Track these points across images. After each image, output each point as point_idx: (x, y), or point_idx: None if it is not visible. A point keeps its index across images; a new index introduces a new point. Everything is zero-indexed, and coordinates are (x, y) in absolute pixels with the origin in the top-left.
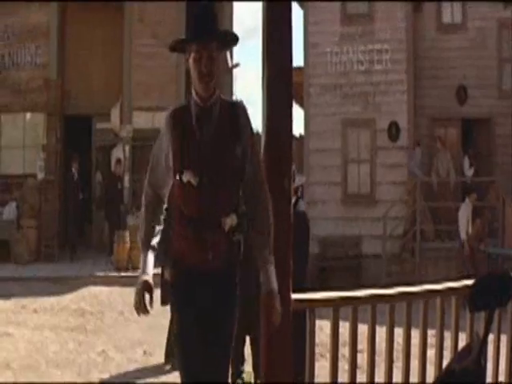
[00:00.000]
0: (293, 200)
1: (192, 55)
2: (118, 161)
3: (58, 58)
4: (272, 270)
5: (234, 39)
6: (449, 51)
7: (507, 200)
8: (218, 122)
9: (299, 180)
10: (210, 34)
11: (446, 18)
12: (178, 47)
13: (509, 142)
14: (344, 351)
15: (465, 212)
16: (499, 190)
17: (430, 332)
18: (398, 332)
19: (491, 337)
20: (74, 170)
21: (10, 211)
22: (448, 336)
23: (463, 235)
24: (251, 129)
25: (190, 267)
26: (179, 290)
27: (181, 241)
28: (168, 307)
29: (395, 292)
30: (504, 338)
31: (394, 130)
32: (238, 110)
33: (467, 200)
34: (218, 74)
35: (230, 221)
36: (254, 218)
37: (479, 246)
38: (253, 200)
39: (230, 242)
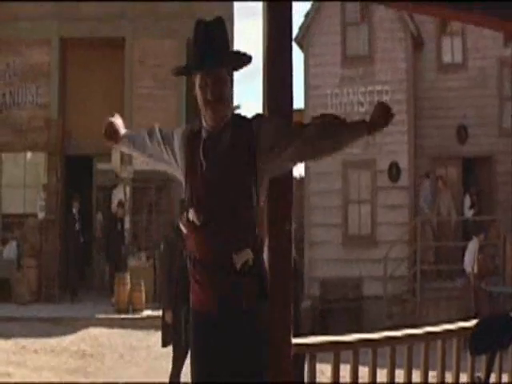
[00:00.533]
0: None
1: (197, 81)
2: (120, 203)
3: (58, 97)
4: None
5: (245, 59)
6: (449, 91)
7: (508, 238)
8: (228, 150)
9: None
10: (214, 61)
11: (447, 58)
12: (182, 71)
13: (510, 180)
14: None
15: (472, 250)
16: (500, 228)
17: (431, 374)
18: (399, 374)
19: (492, 376)
20: (74, 210)
21: (10, 250)
22: (449, 377)
23: (468, 270)
24: (265, 119)
25: (206, 315)
26: (197, 343)
27: (196, 287)
28: (169, 349)
29: (396, 334)
30: (505, 377)
31: (394, 171)
32: (253, 125)
33: (475, 239)
34: (231, 95)
35: (242, 257)
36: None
37: (481, 284)
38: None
39: (246, 282)
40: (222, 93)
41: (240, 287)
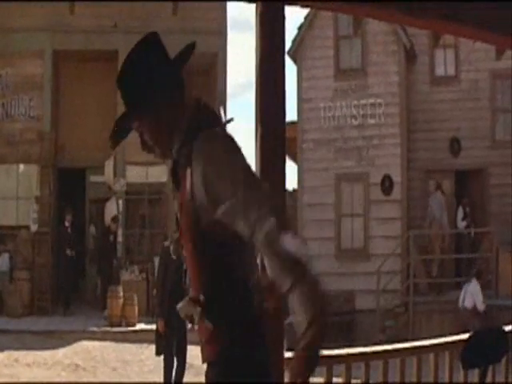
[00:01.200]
0: None
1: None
2: (114, 218)
3: (51, 110)
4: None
5: (185, 56)
6: (442, 103)
7: (501, 250)
8: (180, 178)
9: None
10: (127, 120)
11: (439, 71)
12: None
13: (503, 192)
14: None
15: (474, 292)
16: (493, 241)
17: None
18: None
19: None
20: (67, 223)
21: (3, 263)
22: None
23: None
24: (207, 158)
25: None
26: None
27: None
28: (161, 363)
29: (388, 348)
30: None
31: (387, 184)
32: (193, 157)
33: (475, 281)
34: (172, 116)
35: (182, 309)
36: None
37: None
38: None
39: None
40: (154, 138)
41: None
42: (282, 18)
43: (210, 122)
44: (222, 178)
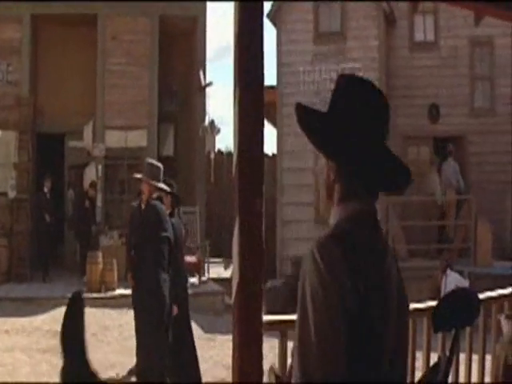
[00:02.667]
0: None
1: None
2: (92, 184)
3: (30, 75)
4: None
5: None
6: (421, 69)
7: (480, 218)
8: None
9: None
10: None
11: (419, 37)
12: None
13: (482, 160)
14: None
15: (454, 282)
16: (472, 209)
17: None
18: None
19: (463, 356)
20: (46, 188)
21: None
22: (420, 357)
23: None
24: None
25: None
26: None
27: None
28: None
29: None
30: (475, 358)
31: None
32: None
33: (453, 273)
34: None
35: None
36: None
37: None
38: None
39: None
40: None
41: None
42: None
43: None
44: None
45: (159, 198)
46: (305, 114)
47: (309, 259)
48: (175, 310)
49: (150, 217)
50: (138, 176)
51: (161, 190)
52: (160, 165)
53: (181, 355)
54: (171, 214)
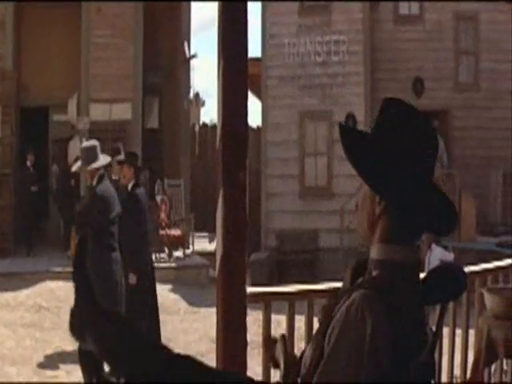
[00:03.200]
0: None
1: None
2: (77, 159)
3: (13, 48)
4: None
5: None
6: (405, 43)
7: (464, 193)
8: None
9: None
10: None
11: (403, 10)
12: None
13: (466, 135)
14: (301, 345)
15: (438, 257)
16: (456, 184)
17: None
18: None
19: (446, 330)
20: (29, 163)
21: None
22: None
23: None
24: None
25: None
26: None
27: None
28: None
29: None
30: (459, 332)
31: (350, 122)
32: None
33: (437, 248)
34: None
35: None
36: None
37: None
38: None
39: None
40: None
41: None
42: None
43: None
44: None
45: (106, 171)
46: (351, 140)
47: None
48: (133, 278)
49: (91, 199)
50: (75, 169)
51: (103, 167)
52: (93, 142)
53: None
54: (137, 185)
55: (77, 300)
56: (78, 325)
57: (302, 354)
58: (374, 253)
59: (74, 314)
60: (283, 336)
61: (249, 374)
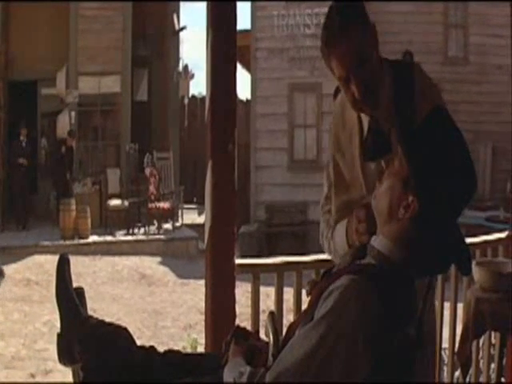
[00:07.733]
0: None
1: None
2: (71, 132)
3: (1, 22)
4: None
5: None
6: (395, 15)
7: None
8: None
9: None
10: None
11: None
12: None
13: (454, 109)
14: (290, 317)
15: None
16: None
17: None
18: None
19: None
20: (22, 137)
21: None
22: None
23: None
24: None
25: None
26: None
27: None
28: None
29: None
30: (447, 305)
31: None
32: None
33: None
34: None
35: None
36: None
37: None
38: None
39: None
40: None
41: None
42: None
43: None
44: None
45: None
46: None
47: (341, 293)
48: None
49: None
50: None
51: None
52: None
53: None
54: None
55: (61, 322)
56: (65, 346)
57: (290, 326)
58: (381, 245)
59: (60, 335)
60: (272, 313)
61: None
